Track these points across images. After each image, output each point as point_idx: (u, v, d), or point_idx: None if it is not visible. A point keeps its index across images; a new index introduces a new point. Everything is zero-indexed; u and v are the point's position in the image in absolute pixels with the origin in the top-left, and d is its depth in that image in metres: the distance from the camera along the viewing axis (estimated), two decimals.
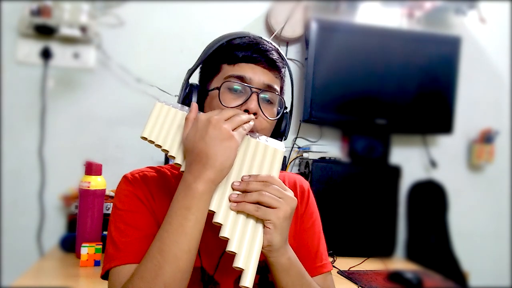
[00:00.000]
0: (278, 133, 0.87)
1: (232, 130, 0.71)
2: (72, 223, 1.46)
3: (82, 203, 1.30)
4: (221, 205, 0.71)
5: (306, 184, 0.96)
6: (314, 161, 1.65)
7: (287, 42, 1.78)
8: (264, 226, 0.70)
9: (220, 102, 0.78)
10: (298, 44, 1.80)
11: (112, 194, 1.42)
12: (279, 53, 0.84)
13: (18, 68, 1.59)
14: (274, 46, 0.85)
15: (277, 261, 0.73)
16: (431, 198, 1.88)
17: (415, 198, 1.89)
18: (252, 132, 0.78)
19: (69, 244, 1.35)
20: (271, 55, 0.81)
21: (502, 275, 1.99)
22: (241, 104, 0.78)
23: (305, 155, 1.72)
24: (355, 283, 1.27)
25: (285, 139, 0.88)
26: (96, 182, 1.30)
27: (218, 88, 0.79)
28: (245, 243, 0.69)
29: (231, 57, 0.81)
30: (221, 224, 0.70)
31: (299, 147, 1.77)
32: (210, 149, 0.69)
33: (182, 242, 0.69)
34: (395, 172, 1.76)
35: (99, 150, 1.60)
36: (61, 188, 1.58)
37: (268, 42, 0.84)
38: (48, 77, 1.60)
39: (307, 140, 1.80)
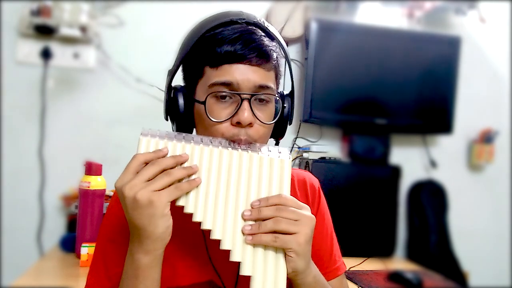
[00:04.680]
0: (282, 119, 0.79)
1: (160, 189, 0.62)
2: (72, 223, 1.46)
3: (82, 203, 1.30)
4: (235, 241, 0.65)
5: (316, 182, 0.90)
6: (314, 161, 1.65)
7: (287, 42, 1.77)
8: (286, 255, 0.65)
9: (209, 117, 0.70)
10: (298, 44, 1.79)
11: (112, 194, 1.42)
12: (268, 34, 0.74)
13: (18, 68, 1.59)
14: (263, 28, 0.74)
15: (303, 282, 0.69)
16: (431, 198, 1.88)
17: (415, 198, 1.89)
18: (251, 143, 0.71)
19: (69, 244, 1.35)
20: (259, 46, 0.70)
21: (502, 275, 1.99)
22: (233, 116, 0.70)
23: (305, 155, 1.71)
24: (355, 283, 1.27)
25: (290, 124, 0.81)
26: (96, 182, 1.30)
27: (204, 102, 0.70)
28: (269, 278, 0.64)
29: (212, 57, 0.70)
30: (240, 262, 0.64)
31: (299, 147, 1.76)
32: (135, 220, 0.62)
33: None
34: (395, 172, 1.76)
35: (99, 150, 1.60)
36: (61, 188, 1.58)
37: (253, 23, 0.73)
38: (48, 77, 1.60)
39: (307, 140, 1.79)
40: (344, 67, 1.74)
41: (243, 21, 0.72)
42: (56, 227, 1.59)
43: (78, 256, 1.26)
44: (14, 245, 1.57)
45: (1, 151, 1.58)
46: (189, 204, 0.65)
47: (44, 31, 1.54)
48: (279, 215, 0.64)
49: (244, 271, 0.64)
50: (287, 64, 0.80)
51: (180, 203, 0.65)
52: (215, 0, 1.72)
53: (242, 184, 0.68)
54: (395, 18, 1.85)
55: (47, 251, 1.51)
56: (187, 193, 0.65)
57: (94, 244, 1.23)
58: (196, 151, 0.68)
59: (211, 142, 0.69)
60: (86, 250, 1.23)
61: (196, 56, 0.73)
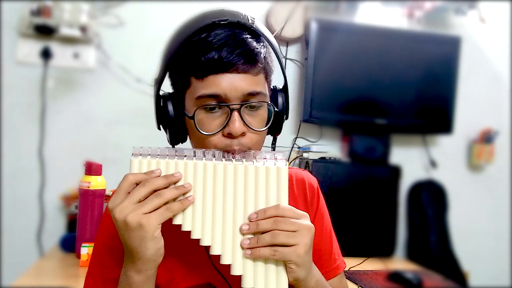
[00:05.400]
0: (277, 115, 0.76)
1: (151, 211, 0.62)
2: (72, 223, 1.46)
3: (82, 203, 1.30)
4: (235, 255, 0.65)
5: (314, 181, 0.89)
6: (314, 161, 1.65)
7: (287, 42, 1.78)
8: (286, 265, 0.65)
9: (200, 131, 0.69)
10: (298, 44, 1.79)
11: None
12: (253, 32, 0.71)
13: (18, 68, 1.59)
14: (247, 27, 0.70)
15: (306, 287, 0.68)
16: (431, 198, 1.88)
17: (415, 198, 1.89)
18: (245, 151, 0.69)
19: (69, 244, 1.35)
20: (246, 51, 0.68)
21: (502, 275, 1.99)
22: (224, 127, 0.68)
23: (305, 155, 1.71)
24: (355, 283, 1.27)
25: (286, 118, 0.79)
26: (96, 182, 1.30)
27: (193, 117, 0.69)
28: None
29: (197, 68, 0.68)
30: (241, 275, 0.65)
31: (299, 147, 1.77)
32: (127, 241, 0.63)
33: None
34: (395, 172, 1.75)
35: (99, 150, 1.60)
36: (61, 188, 1.58)
37: (236, 24, 0.69)
38: (48, 77, 1.60)
39: (307, 140, 1.79)
40: (344, 67, 1.74)
41: (226, 22, 0.69)
42: (56, 227, 1.59)
43: (78, 256, 1.26)
44: (14, 245, 1.57)
45: (1, 151, 1.58)
46: (186, 222, 0.65)
47: (44, 31, 1.54)
48: (277, 228, 0.63)
49: (246, 284, 0.64)
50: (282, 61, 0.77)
51: (177, 221, 0.65)
52: (215, 0, 1.72)
53: (239, 196, 0.67)
54: (395, 18, 1.85)
55: (47, 251, 1.51)
56: (183, 211, 0.65)
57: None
58: (189, 167, 0.67)
59: (204, 156, 0.68)
60: (86, 250, 1.23)
61: (181, 65, 0.71)
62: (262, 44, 0.71)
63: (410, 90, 1.80)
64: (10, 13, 1.57)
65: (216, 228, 0.66)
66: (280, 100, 0.77)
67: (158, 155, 0.67)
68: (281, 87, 0.79)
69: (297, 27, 1.73)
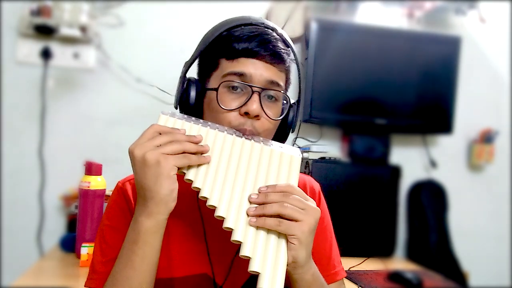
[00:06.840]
0: (285, 124, 0.81)
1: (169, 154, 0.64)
2: (72, 223, 1.46)
3: (82, 203, 1.30)
4: (238, 221, 0.65)
5: (317, 186, 0.90)
6: (314, 161, 1.65)
7: None
8: (288, 241, 0.64)
9: (219, 104, 0.72)
10: (298, 44, 1.79)
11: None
12: (284, 41, 0.78)
13: (18, 68, 1.59)
14: (279, 34, 0.77)
15: (302, 278, 0.68)
16: (431, 198, 1.88)
17: (415, 198, 1.89)
18: (254, 135, 0.73)
19: (69, 244, 1.35)
20: (275, 48, 0.74)
21: (502, 275, 1.99)
22: (242, 106, 0.72)
23: (305, 155, 1.71)
24: (355, 283, 1.27)
25: (292, 132, 0.83)
26: (96, 182, 1.30)
27: (216, 89, 0.73)
28: (269, 262, 0.63)
29: (230, 51, 0.74)
30: (241, 242, 0.64)
31: (299, 147, 1.76)
32: (142, 179, 0.64)
33: (131, 278, 0.67)
34: (395, 172, 1.76)
35: (99, 150, 1.60)
36: (61, 188, 1.58)
37: (271, 29, 0.77)
38: (48, 77, 1.60)
39: (307, 140, 1.79)
40: (344, 67, 1.74)
41: (262, 25, 0.77)
42: (56, 227, 1.59)
43: (78, 256, 1.26)
44: (14, 245, 1.57)
45: (1, 151, 1.58)
46: (197, 179, 0.67)
47: (44, 31, 1.54)
48: (286, 201, 0.65)
49: (244, 251, 0.63)
50: (297, 75, 0.84)
51: (189, 176, 0.66)
52: (215, 0, 1.72)
53: (251, 172, 0.69)
54: (395, 18, 1.85)
55: (47, 251, 1.51)
56: (198, 166, 0.67)
57: (94, 244, 1.24)
58: (210, 134, 0.71)
59: (226, 130, 0.72)
60: (86, 250, 1.23)
61: (213, 50, 0.76)
62: (289, 50, 0.78)
63: (410, 90, 1.80)
64: (10, 13, 1.57)
65: (225, 192, 0.67)
66: (291, 113, 0.81)
67: (184, 118, 0.71)
68: (293, 101, 0.83)
69: (297, 27, 1.73)
